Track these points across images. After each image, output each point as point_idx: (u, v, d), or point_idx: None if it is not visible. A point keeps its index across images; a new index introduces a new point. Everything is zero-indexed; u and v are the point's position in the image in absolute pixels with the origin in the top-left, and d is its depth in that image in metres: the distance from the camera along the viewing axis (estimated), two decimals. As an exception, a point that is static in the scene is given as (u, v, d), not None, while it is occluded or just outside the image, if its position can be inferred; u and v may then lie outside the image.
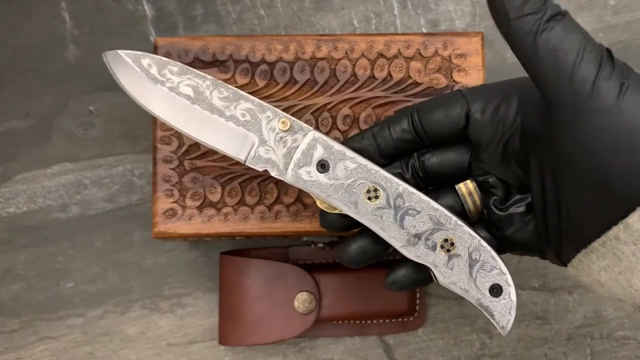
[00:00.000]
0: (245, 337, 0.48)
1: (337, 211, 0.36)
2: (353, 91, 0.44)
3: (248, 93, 0.44)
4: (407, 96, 0.44)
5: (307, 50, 0.44)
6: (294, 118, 0.36)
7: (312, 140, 0.35)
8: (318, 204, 0.36)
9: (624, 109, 0.30)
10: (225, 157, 0.44)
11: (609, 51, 0.31)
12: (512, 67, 0.52)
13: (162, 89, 0.36)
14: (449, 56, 0.44)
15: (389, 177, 0.35)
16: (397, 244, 0.36)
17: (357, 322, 0.50)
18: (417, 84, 0.44)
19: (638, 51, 0.52)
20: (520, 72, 0.52)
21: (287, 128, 0.36)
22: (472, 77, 0.44)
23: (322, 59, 0.44)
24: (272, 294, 0.48)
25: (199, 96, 0.36)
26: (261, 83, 0.44)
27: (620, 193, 0.30)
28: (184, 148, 0.44)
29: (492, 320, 0.35)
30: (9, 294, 0.51)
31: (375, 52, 0.44)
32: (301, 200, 0.44)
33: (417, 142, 0.37)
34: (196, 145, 0.44)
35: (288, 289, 0.48)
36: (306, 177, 0.35)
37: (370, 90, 0.44)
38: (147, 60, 0.37)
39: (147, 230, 0.51)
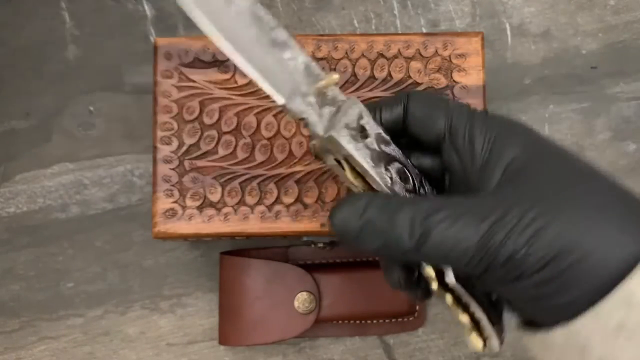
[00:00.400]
0: (245, 337, 0.48)
1: (360, 186, 0.34)
2: (353, 91, 0.44)
3: (248, 93, 0.45)
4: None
5: (307, 50, 0.44)
6: (333, 75, 0.35)
7: (354, 104, 0.34)
8: (347, 174, 0.34)
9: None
10: (225, 157, 0.44)
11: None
12: (512, 68, 0.52)
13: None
14: (449, 56, 0.44)
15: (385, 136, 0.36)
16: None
17: (357, 322, 0.50)
18: (417, 84, 0.44)
19: (638, 51, 0.52)
20: (521, 72, 0.52)
21: (328, 86, 0.34)
22: (472, 77, 0.44)
23: (322, 59, 0.44)
24: (272, 294, 0.48)
25: (262, 25, 0.35)
26: (261, 83, 0.44)
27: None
28: (184, 148, 0.44)
29: None
30: (9, 294, 0.51)
31: (375, 52, 0.44)
32: (301, 200, 0.44)
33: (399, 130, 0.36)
34: (196, 145, 0.44)
35: (288, 289, 0.48)
36: (346, 135, 0.34)
37: (370, 90, 0.44)
38: None
39: (147, 230, 0.51)
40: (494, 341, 0.33)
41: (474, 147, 0.33)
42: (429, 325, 0.51)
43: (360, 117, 0.34)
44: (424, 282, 0.35)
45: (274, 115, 0.44)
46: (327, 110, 0.34)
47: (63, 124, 0.52)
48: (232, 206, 0.44)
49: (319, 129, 0.34)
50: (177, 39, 0.45)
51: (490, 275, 0.30)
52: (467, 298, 0.33)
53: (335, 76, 0.34)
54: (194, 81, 0.44)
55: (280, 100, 0.33)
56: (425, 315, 0.51)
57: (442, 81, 0.44)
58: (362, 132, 0.34)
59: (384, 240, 0.31)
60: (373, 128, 0.35)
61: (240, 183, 0.44)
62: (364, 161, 0.33)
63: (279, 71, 0.34)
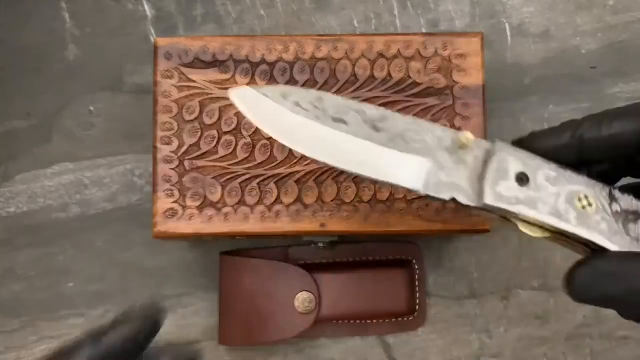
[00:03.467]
0: (246, 337, 0.48)
1: (541, 233, 0.31)
2: (353, 91, 0.44)
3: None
4: (407, 96, 0.44)
5: (307, 50, 0.44)
6: (468, 133, 0.31)
7: (502, 153, 0.31)
8: (522, 228, 0.31)
9: None
10: (225, 157, 0.44)
11: None
12: (512, 68, 0.52)
13: (309, 122, 0.32)
14: (449, 56, 0.44)
15: (592, 183, 0.31)
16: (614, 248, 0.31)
17: (357, 322, 0.50)
18: (417, 84, 0.44)
19: (637, 51, 0.52)
20: (520, 72, 0.52)
21: (469, 144, 0.31)
22: (472, 77, 0.44)
23: (322, 59, 0.44)
24: (272, 294, 0.48)
25: (359, 125, 0.32)
26: (261, 83, 0.44)
27: None
28: (184, 148, 0.44)
29: None
30: (10, 294, 0.51)
31: (375, 52, 0.44)
32: (301, 200, 0.44)
33: (629, 156, 0.31)
34: (196, 145, 0.44)
35: (288, 289, 0.48)
36: (508, 194, 0.30)
37: (370, 90, 0.44)
38: (293, 94, 0.33)
39: (147, 230, 0.50)
40: None
41: None
42: (429, 325, 0.51)
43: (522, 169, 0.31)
44: None
45: (274, 116, 0.44)
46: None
47: (63, 124, 0.52)
48: (232, 206, 0.44)
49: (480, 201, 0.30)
50: (177, 39, 0.45)
51: None
52: None
53: (468, 135, 0.31)
54: (194, 81, 0.44)
55: (419, 189, 0.31)
56: (426, 315, 0.50)
57: (442, 81, 0.44)
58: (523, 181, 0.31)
59: None
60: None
61: (240, 183, 0.44)
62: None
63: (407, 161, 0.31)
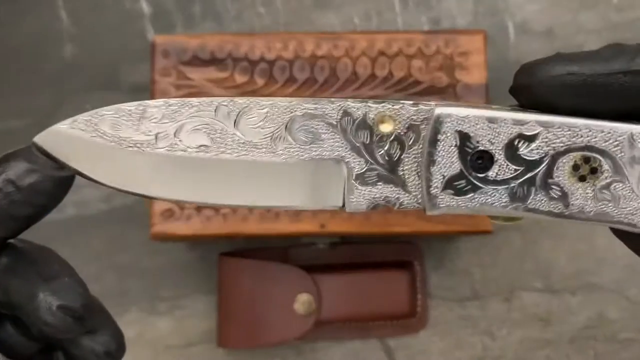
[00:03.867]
0: (245, 339, 0.48)
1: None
2: (354, 90, 0.44)
3: (247, 92, 0.44)
4: (409, 95, 0.44)
5: (307, 48, 0.44)
6: (390, 102, 0.23)
7: (444, 125, 0.22)
8: (496, 221, 0.24)
9: None
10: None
11: None
12: (514, 66, 0.52)
13: (155, 153, 0.23)
14: (451, 54, 0.44)
15: (603, 126, 0.22)
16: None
17: (358, 324, 0.50)
18: (419, 82, 0.44)
19: (642, 49, 0.52)
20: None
21: (390, 130, 0.23)
22: (474, 75, 0.44)
23: (322, 57, 0.44)
24: (272, 295, 0.48)
25: (221, 140, 0.23)
26: (260, 82, 0.44)
27: None
28: (182, 148, 0.44)
29: None
30: (5, 295, 0.50)
31: (376, 50, 0.44)
32: (301, 200, 0.44)
33: None
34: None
35: (288, 291, 0.48)
36: (462, 192, 0.22)
37: (371, 89, 0.44)
38: (107, 118, 0.24)
39: (144, 231, 0.50)
40: None
41: None
42: (430, 327, 0.50)
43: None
44: None
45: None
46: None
47: (59, 123, 0.51)
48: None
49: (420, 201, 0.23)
50: (175, 37, 0.44)
51: None
52: None
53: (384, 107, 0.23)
54: (192, 80, 0.44)
55: (334, 206, 0.23)
56: (427, 317, 0.50)
57: (444, 80, 0.44)
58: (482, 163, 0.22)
59: None
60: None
61: (239, 183, 0.44)
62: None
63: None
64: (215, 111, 0.23)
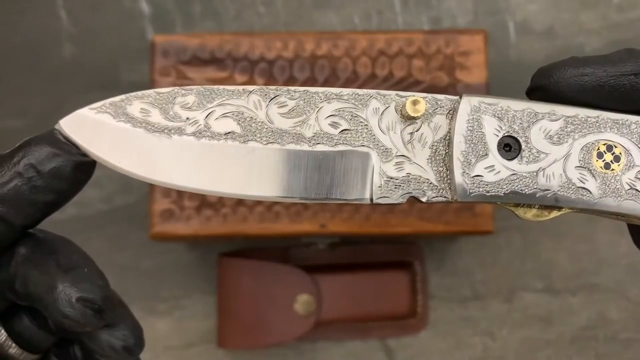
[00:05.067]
0: (244, 339, 0.48)
1: (549, 214, 0.23)
2: (354, 90, 0.44)
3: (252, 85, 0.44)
4: (409, 95, 0.44)
5: (307, 47, 0.44)
6: (419, 96, 0.23)
7: (471, 112, 0.22)
8: (520, 213, 0.23)
9: None
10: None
11: None
12: (514, 66, 0.52)
13: (182, 139, 0.23)
14: (452, 54, 0.44)
15: (622, 120, 0.23)
16: None
17: (358, 324, 0.50)
18: (419, 82, 0.44)
19: (643, 49, 0.52)
20: (524, 70, 0.51)
21: (421, 113, 0.22)
22: (474, 75, 0.44)
23: (322, 56, 0.44)
24: (272, 295, 0.48)
25: (249, 126, 0.23)
26: (260, 81, 0.44)
27: None
28: (182, 147, 0.44)
29: None
30: (4, 295, 0.50)
31: (376, 50, 0.44)
32: (301, 200, 0.43)
33: None
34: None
35: (287, 291, 0.48)
36: (493, 178, 0.22)
37: (372, 89, 0.44)
38: (137, 103, 0.23)
39: (144, 231, 0.50)
40: None
41: None
42: (431, 327, 0.50)
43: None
44: None
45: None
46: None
47: (59, 123, 0.51)
48: (231, 207, 0.43)
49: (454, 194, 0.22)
50: (175, 37, 0.44)
51: None
52: None
53: (416, 101, 0.23)
54: (191, 79, 0.44)
55: (364, 197, 0.23)
56: (427, 317, 0.50)
57: (445, 79, 0.44)
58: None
59: None
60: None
61: (239, 183, 0.43)
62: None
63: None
64: (246, 98, 0.23)
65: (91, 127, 0.24)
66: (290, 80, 0.44)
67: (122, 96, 0.24)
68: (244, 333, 0.48)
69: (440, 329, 0.50)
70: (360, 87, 0.44)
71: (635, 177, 0.22)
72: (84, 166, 0.23)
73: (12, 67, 0.52)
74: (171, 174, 0.23)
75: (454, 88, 0.44)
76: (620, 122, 0.23)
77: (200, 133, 0.23)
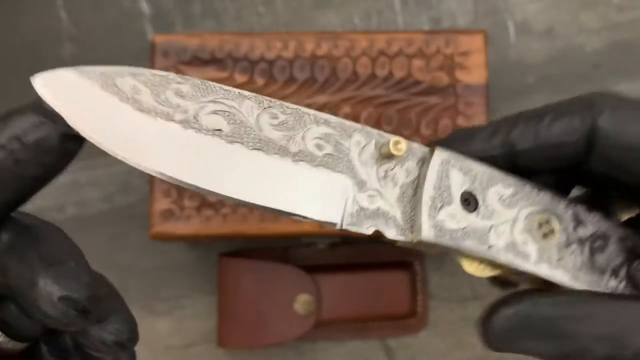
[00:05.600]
0: (245, 339, 0.48)
1: (490, 271, 0.24)
2: (354, 90, 0.44)
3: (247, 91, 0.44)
4: (409, 95, 0.44)
5: (307, 48, 0.44)
6: (400, 138, 0.24)
7: (442, 164, 0.24)
8: (466, 266, 0.24)
9: None
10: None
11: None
12: (515, 66, 0.52)
13: (167, 125, 0.22)
14: (452, 54, 0.44)
15: (556, 199, 0.25)
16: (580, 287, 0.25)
17: (358, 324, 0.49)
18: (419, 82, 0.44)
19: (643, 49, 0.52)
20: (524, 70, 0.51)
21: (402, 153, 0.23)
22: (474, 75, 0.44)
23: (322, 56, 0.44)
24: (272, 295, 0.48)
25: (238, 129, 0.22)
26: (260, 81, 0.44)
27: None
28: (182, 147, 0.44)
29: None
30: (5, 295, 0.50)
31: (376, 50, 0.44)
32: (301, 200, 0.43)
33: (581, 159, 0.25)
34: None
35: (288, 291, 0.48)
36: (453, 225, 0.23)
37: (372, 89, 0.44)
38: (129, 79, 0.22)
39: (144, 231, 0.50)
40: None
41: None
42: (431, 327, 0.50)
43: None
44: None
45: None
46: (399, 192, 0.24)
47: (59, 123, 0.51)
48: (231, 206, 0.43)
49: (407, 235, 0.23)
50: (175, 37, 0.44)
51: None
52: None
53: (398, 140, 0.23)
54: (191, 79, 0.44)
55: (334, 220, 0.23)
56: (427, 317, 0.50)
57: (445, 79, 0.44)
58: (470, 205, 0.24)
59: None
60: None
61: (239, 183, 0.43)
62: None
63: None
64: (240, 102, 0.22)
65: (72, 90, 0.21)
66: (290, 81, 0.44)
67: (115, 67, 0.22)
68: (244, 333, 0.48)
69: (440, 328, 0.50)
70: (360, 87, 0.44)
71: (565, 249, 0.25)
72: (73, 136, 0.21)
73: (11, 68, 0.51)
74: (148, 157, 0.21)
75: (453, 88, 0.44)
76: (556, 200, 0.25)
77: (187, 123, 0.22)
